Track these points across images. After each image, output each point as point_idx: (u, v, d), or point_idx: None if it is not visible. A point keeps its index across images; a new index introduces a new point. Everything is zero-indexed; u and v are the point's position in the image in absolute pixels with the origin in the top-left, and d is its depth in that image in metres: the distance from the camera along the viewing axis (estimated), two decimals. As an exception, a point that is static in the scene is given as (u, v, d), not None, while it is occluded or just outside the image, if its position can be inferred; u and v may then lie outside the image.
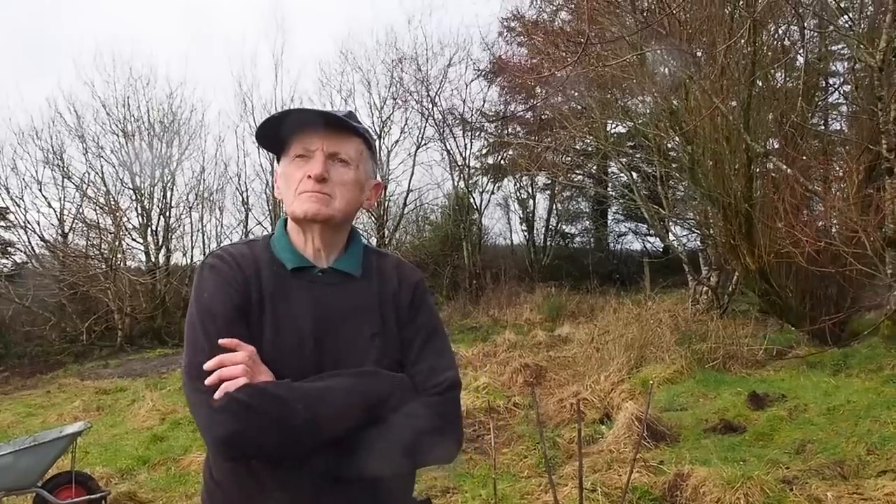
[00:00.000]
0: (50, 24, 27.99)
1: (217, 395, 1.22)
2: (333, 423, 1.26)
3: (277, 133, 1.42)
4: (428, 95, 19.42)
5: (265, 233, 1.61)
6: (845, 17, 8.18)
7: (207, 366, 1.25)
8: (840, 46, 10.39)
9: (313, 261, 1.43)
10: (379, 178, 1.55)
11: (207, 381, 1.23)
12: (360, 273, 1.46)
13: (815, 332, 7.90)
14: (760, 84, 8.28)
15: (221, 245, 2.07)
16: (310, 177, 1.37)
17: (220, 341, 1.27)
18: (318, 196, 1.38)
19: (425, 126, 19.64)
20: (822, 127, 11.06)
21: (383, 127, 19.23)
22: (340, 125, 1.40)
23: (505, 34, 18.68)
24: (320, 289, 1.41)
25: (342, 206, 1.41)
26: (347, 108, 1.48)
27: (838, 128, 12.11)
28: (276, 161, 1.52)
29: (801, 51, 8.87)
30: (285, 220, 1.48)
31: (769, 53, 8.48)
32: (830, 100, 11.67)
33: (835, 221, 7.53)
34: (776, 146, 8.84)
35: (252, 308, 1.35)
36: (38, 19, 26.63)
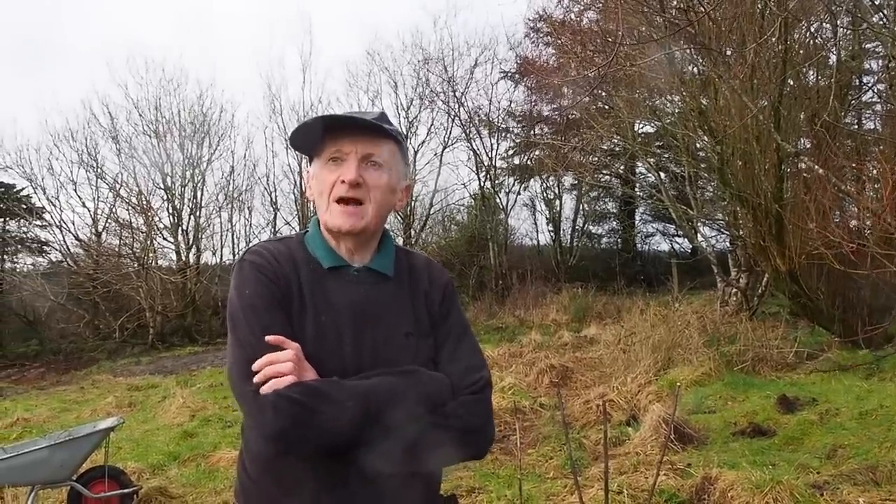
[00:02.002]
0: (80, 27, 28.54)
1: (264, 389, 1.23)
2: (379, 421, 1.27)
3: (311, 136, 1.42)
4: (454, 96, 19.48)
5: (294, 231, 1.63)
6: (879, 14, 8.01)
7: (256, 365, 1.26)
8: (874, 44, 10.17)
9: (348, 260, 1.45)
10: (409, 179, 1.56)
11: (255, 380, 1.25)
12: (392, 273, 1.47)
13: (847, 335, 7.75)
14: (791, 83, 8.15)
15: (252, 243, 2.10)
16: (343, 181, 1.38)
17: (267, 338, 1.28)
18: (350, 210, 1.39)
19: (452, 126, 19.70)
20: (856, 126, 10.85)
21: (410, 127, 19.29)
22: (373, 128, 1.40)
23: (531, 34, 18.63)
24: (356, 287, 1.42)
25: (375, 212, 1.41)
26: (378, 110, 1.48)
27: (872, 127, 11.88)
28: (306, 161, 1.53)
29: (834, 49, 8.70)
30: (319, 219, 1.49)
31: (801, 51, 8.33)
32: (864, 98, 11.42)
33: (868, 223, 7.38)
34: (807, 146, 8.69)
35: (293, 304, 1.37)
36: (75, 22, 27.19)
